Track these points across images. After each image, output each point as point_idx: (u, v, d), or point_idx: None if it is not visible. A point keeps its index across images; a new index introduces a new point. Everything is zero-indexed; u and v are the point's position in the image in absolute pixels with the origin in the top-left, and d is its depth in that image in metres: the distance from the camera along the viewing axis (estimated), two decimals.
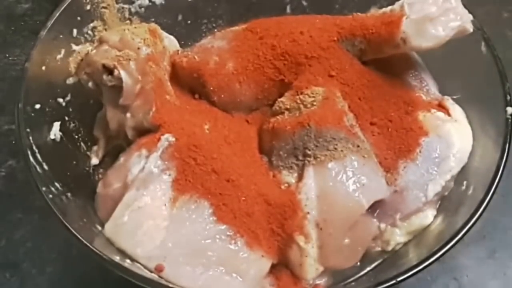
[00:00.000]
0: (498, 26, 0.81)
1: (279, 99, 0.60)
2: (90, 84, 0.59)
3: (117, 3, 0.67)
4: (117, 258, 0.50)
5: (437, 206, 0.58)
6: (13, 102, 0.57)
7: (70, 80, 0.62)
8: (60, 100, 0.61)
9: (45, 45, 0.60)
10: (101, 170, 0.63)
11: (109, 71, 0.57)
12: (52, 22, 0.61)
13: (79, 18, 0.64)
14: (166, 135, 0.56)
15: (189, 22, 0.74)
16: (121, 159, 0.58)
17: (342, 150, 0.55)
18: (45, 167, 0.55)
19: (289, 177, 0.56)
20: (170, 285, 0.50)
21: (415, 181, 0.57)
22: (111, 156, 0.62)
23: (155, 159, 0.55)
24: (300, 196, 0.54)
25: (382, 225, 0.57)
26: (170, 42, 0.65)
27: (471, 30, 0.57)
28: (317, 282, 0.55)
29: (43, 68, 0.60)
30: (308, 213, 0.53)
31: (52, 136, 0.59)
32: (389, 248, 0.57)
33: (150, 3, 0.70)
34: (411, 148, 0.58)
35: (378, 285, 0.48)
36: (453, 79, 0.64)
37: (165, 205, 0.53)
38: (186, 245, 0.52)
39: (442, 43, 0.56)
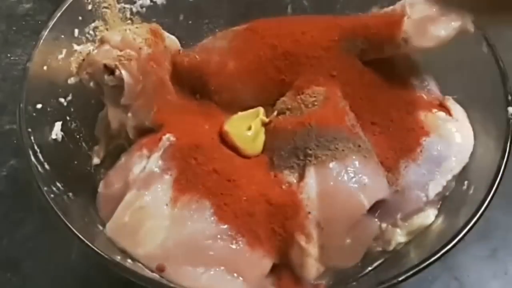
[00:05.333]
0: (499, 26, 0.81)
1: (280, 99, 0.60)
2: (91, 84, 0.59)
3: (118, 3, 0.67)
4: (118, 258, 0.50)
5: (438, 206, 0.58)
6: (14, 102, 0.57)
7: (72, 80, 0.62)
8: (62, 100, 0.61)
9: (47, 45, 0.60)
10: (102, 170, 0.63)
11: (111, 71, 0.57)
12: (54, 22, 0.61)
13: (80, 18, 0.64)
14: (167, 135, 0.56)
15: (190, 22, 0.74)
16: (123, 159, 0.58)
17: (343, 150, 0.54)
18: (47, 167, 0.55)
19: (290, 177, 0.56)
20: (171, 285, 0.50)
21: (416, 181, 0.57)
22: (113, 156, 0.62)
23: (156, 159, 0.55)
24: (301, 196, 0.54)
25: (383, 225, 0.57)
26: (172, 42, 0.65)
27: (472, 30, 0.57)
28: (318, 282, 0.55)
29: (45, 68, 0.60)
30: (309, 213, 0.53)
31: (53, 136, 0.59)
32: (390, 248, 0.57)
33: (152, 3, 0.70)
34: (412, 148, 0.58)
35: (379, 285, 0.48)
36: (454, 79, 0.64)
37: (166, 205, 0.53)
38: (187, 245, 0.52)
39: (443, 43, 0.56)
